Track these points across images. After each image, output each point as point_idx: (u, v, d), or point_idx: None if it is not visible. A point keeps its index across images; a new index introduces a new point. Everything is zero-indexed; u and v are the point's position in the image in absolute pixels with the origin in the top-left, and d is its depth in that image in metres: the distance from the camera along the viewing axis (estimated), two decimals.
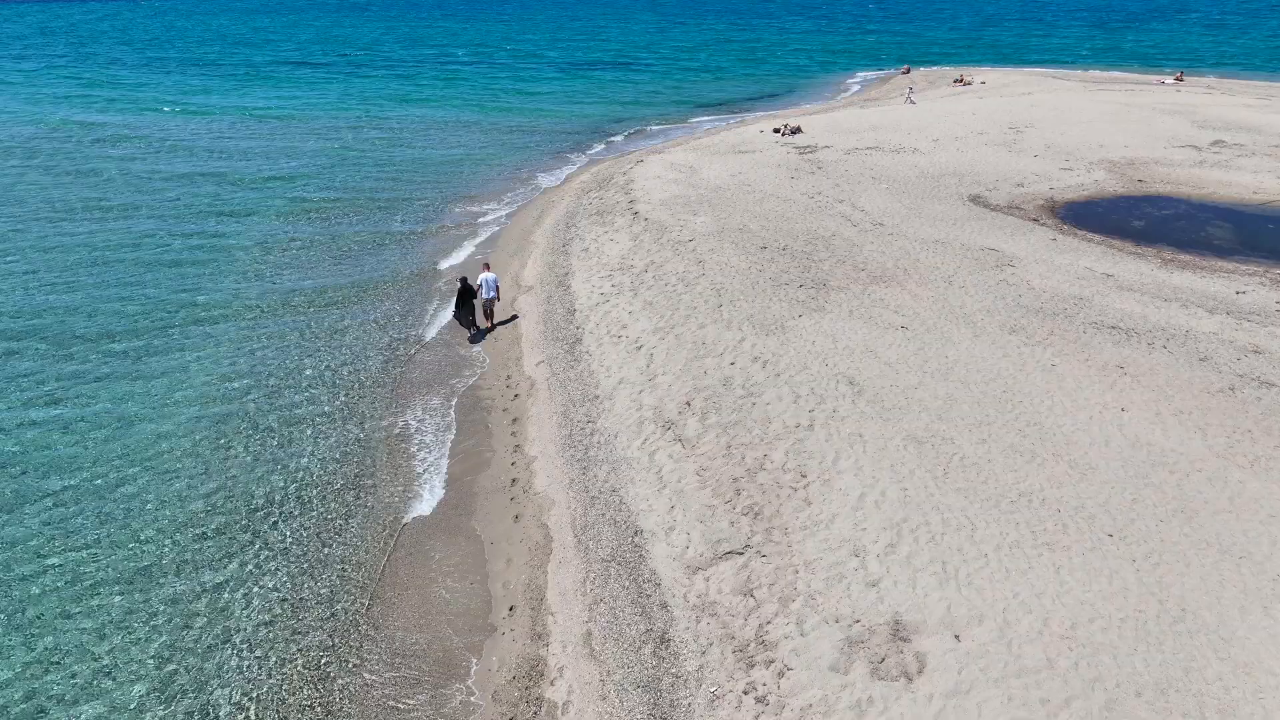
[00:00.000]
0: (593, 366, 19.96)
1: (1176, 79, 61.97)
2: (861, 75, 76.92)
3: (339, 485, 16.44)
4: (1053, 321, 20.50)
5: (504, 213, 34.66)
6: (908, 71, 73.42)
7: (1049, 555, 12.14)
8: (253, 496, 16.08)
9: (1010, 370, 17.83)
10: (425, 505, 16.02)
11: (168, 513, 15.55)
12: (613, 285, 24.13)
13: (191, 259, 28.23)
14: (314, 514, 15.59)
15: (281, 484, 16.45)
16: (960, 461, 14.48)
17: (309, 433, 18.16)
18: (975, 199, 33.24)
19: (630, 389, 18.47)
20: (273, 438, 17.94)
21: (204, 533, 15.07)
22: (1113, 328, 20.18)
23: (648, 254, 25.91)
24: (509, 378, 20.77)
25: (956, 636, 10.84)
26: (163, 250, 29.06)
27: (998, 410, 16.17)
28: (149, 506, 15.70)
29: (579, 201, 33.93)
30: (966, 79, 63.95)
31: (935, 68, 77.59)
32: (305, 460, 17.18)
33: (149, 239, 30.29)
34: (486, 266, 24.09)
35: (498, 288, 23.43)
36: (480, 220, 33.59)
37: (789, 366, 17.99)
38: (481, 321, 23.79)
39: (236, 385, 19.97)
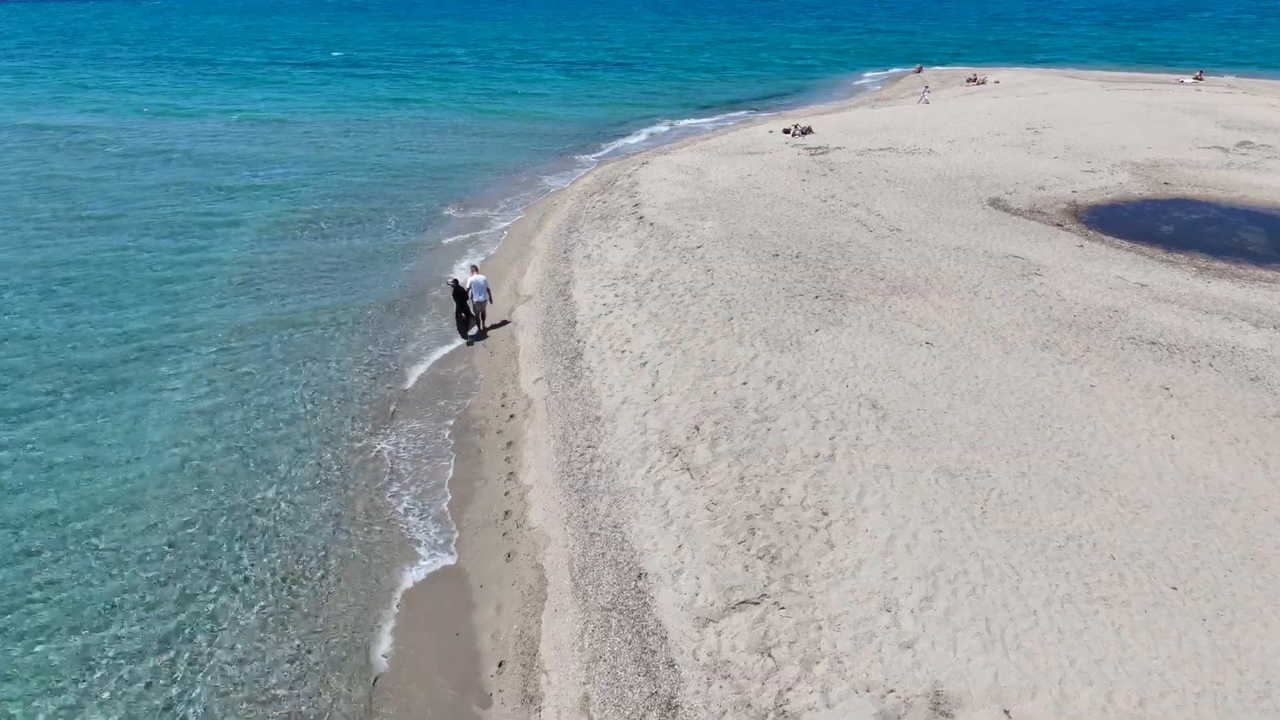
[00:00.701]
0: (594, 384, 18.61)
1: (1196, 78, 60.42)
2: (871, 75, 75.44)
3: (315, 521, 15.08)
4: (1088, 336, 19.08)
5: (503, 218, 33.33)
6: (919, 71, 71.95)
7: (1106, 612, 10.74)
8: (222, 536, 14.76)
9: (1046, 392, 16.41)
10: (410, 541, 14.66)
11: (127, 564, 14.21)
12: (616, 295, 22.77)
13: (170, 275, 26.75)
14: (287, 556, 14.24)
15: (253, 521, 15.11)
16: (999, 498, 13.08)
17: (286, 463, 16.79)
18: (995, 203, 31.81)
19: (634, 410, 17.11)
20: (247, 467, 16.60)
21: (166, 579, 13.73)
22: (1153, 343, 18.76)
23: (653, 261, 24.54)
24: (504, 396, 19.41)
25: (1006, 712, 9.46)
26: (139, 266, 27.40)
27: (1036, 438, 14.76)
28: (111, 553, 14.37)
29: (581, 205, 32.58)
30: (980, 78, 62.47)
31: (946, 67, 76.07)
32: (281, 493, 15.84)
33: (123, 254, 28.71)
34: (475, 269, 23.32)
35: (488, 290, 22.63)
36: (479, 227, 32.25)
37: (806, 387, 16.60)
38: (471, 327, 22.88)
39: (213, 413, 18.59)
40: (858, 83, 70.93)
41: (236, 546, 14.35)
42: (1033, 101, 51.18)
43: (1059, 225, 29.52)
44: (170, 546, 14.32)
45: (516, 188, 37.65)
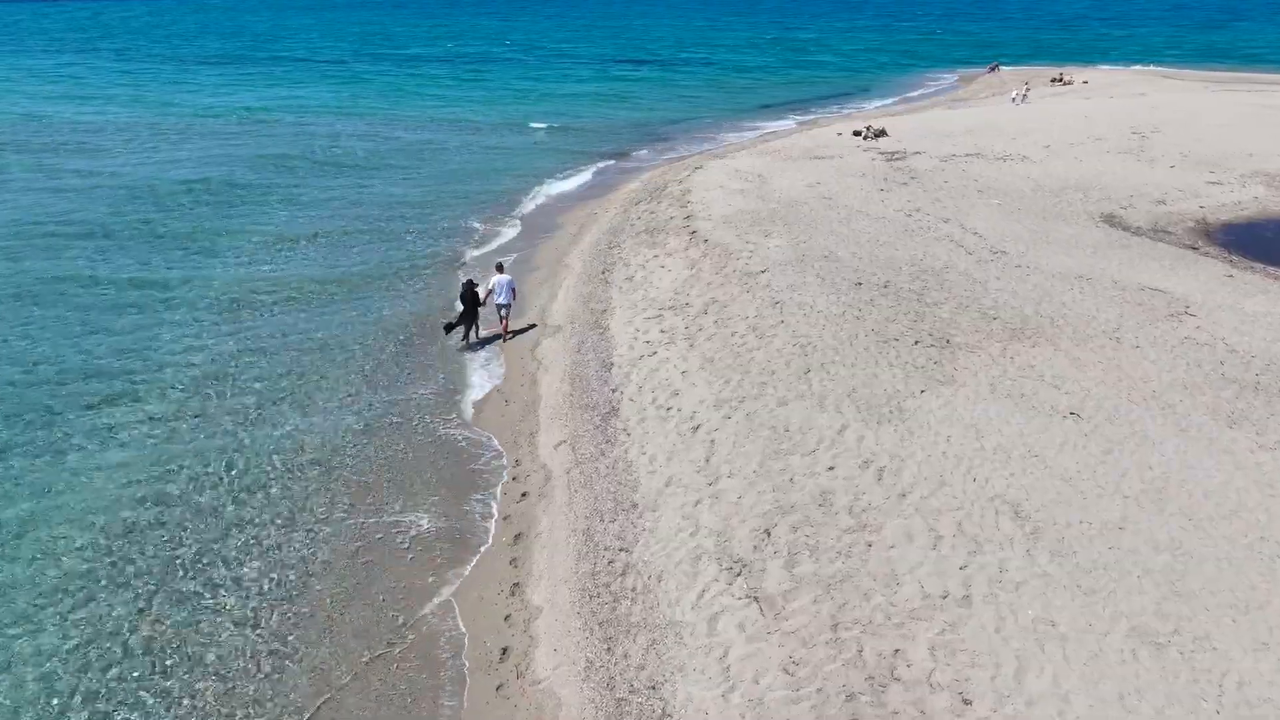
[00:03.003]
0: (631, 455, 14.49)
1: None
2: (937, 74, 70.35)
3: (255, 647, 11.14)
4: None
5: (537, 231, 29.34)
6: (995, 69, 66.74)
7: None
8: (134, 649, 10.89)
9: (1255, 495, 11.85)
10: (371, 689, 10.62)
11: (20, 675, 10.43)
12: (662, 330, 18.65)
13: (142, 300, 23.26)
14: (209, 701, 10.31)
15: (179, 631, 11.22)
16: (1239, 691, 8.62)
17: (233, 554, 12.92)
18: (1109, 219, 27.06)
19: (682, 496, 12.95)
20: (181, 558, 12.75)
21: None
22: None
23: (708, 288, 20.36)
24: (517, 464, 15.36)
25: None
26: (110, 285, 23.80)
27: (1264, 575, 10.24)
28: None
29: (625, 216, 28.52)
30: (1067, 78, 57.14)
31: (1023, 66, 70.54)
32: (216, 599, 11.94)
33: (95, 266, 25.46)
34: (500, 268, 20.97)
35: (514, 290, 20.44)
36: (508, 241, 28.25)
37: (918, 480, 12.24)
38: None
39: (152, 483, 14.68)
40: (925, 82, 65.94)
41: (155, 668, 10.48)
42: (1131, 103, 45.91)
43: (1192, 248, 24.74)
44: (68, 655, 10.49)
45: (553, 196, 33.69)
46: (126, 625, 11.41)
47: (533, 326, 21.09)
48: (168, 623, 11.45)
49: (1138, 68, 66.41)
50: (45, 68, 79.31)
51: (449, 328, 19.83)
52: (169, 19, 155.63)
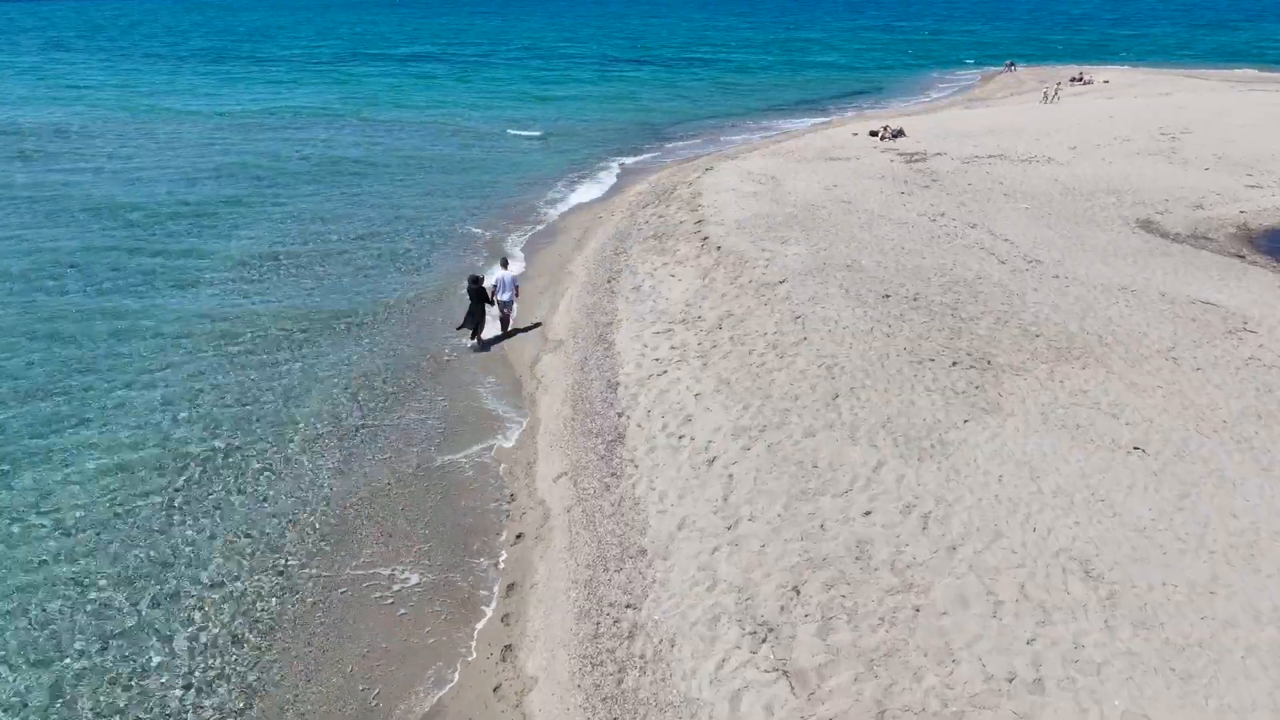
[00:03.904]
0: (638, 490, 12.95)
1: None
2: (955, 73, 68.70)
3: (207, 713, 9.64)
4: None
5: (537, 236, 27.81)
6: (1011, 68, 65.13)
7: None
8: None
9: None
10: None
11: None
12: (672, 346, 17.10)
13: (116, 326, 21.75)
14: None
15: (118, 697, 9.72)
16: None
17: (189, 602, 11.42)
18: (1146, 224, 25.48)
19: (697, 542, 11.42)
20: (128, 606, 11.25)
21: None
22: None
23: (722, 299, 18.81)
24: (512, 498, 13.85)
25: None
26: (83, 302, 22.58)
27: None
28: None
29: (632, 220, 26.98)
30: (1086, 77, 55.47)
31: (1038, 66, 68.87)
32: (164, 662, 10.44)
33: (72, 271, 23.98)
34: (504, 264, 20.64)
35: (516, 288, 20.12)
36: (508, 247, 26.68)
37: (969, 530, 10.67)
38: (494, 329, 20.01)
39: (90, 553, 13.30)
40: (939, 82, 64.29)
41: None
42: (1157, 103, 44.26)
43: (1238, 255, 23.16)
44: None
45: (555, 200, 32.13)
46: (62, 682, 9.90)
47: (538, 325, 20.38)
48: (108, 683, 9.93)
49: (1157, 68, 64.68)
50: (28, 64, 77.85)
51: (478, 332, 19.31)
52: (166, 18, 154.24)
